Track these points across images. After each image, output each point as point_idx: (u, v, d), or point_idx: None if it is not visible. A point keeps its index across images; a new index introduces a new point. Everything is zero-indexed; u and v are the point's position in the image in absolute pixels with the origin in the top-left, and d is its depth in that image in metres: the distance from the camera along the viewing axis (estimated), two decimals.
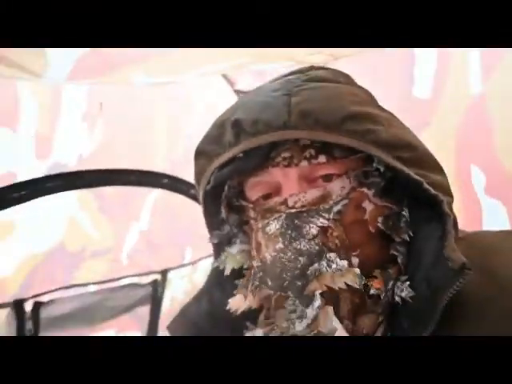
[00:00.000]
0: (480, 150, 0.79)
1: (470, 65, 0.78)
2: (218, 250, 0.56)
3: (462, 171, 0.82)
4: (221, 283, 0.55)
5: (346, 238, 0.45)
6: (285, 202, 0.46)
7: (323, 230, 0.44)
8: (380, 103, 0.51)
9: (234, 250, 0.54)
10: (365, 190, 0.47)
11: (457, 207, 0.83)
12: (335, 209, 0.45)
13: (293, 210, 0.45)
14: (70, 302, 0.97)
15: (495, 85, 0.76)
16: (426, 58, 0.86)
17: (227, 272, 0.53)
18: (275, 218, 0.46)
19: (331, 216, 0.45)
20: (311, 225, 0.44)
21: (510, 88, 0.74)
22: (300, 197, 0.46)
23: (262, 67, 0.84)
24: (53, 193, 0.87)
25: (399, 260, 0.46)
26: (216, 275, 0.56)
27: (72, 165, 0.89)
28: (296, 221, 0.45)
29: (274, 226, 0.45)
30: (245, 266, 0.53)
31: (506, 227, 0.76)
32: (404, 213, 0.47)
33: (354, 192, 0.46)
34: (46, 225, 0.91)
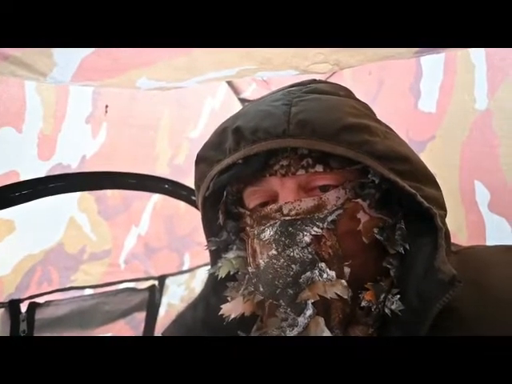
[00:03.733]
0: (484, 165, 0.78)
1: (475, 80, 0.78)
2: (215, 256, 0.56)
3: (466, 187, 0.81)
4: (217, 290, 0.55)
5: (338, 248, 0.45)
6: (280, 210, 0.46)
7: (317, 238, 0.45)
8: (386, 115, 0.51)
9: (231, 255, 0.54)
10: (360, 201, 0.47)
11: (460, 223, 0.83)
12: (329, 218, 0.45)
13: (287, 218, 0.45)
14: (66, 305, 0.96)
15: (501, 100, 0.75)
16: (432, 72, 0.86)
17: (222, 275, 0.53)
18: (270, 225, 0.46)
19: (325, 225, 0.45)
20: (305, 233, 0.45)
21: None
22: (295, 205, 0.46)
23: (266, 75, 0.84)
24: (54, 194, 0.87)
25: (392, 273, 0.46)
26: (212, 282, 0.56)
27: (74, 166, 0.89)
28: (290, 228, 0.45)
29: (268, 233, 0.46)
30: (239, 272, 0.52)
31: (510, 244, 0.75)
32: (399, 225, 0.47)
33: (349, 203, 0.47)
34: (46, 225, 0.90)
